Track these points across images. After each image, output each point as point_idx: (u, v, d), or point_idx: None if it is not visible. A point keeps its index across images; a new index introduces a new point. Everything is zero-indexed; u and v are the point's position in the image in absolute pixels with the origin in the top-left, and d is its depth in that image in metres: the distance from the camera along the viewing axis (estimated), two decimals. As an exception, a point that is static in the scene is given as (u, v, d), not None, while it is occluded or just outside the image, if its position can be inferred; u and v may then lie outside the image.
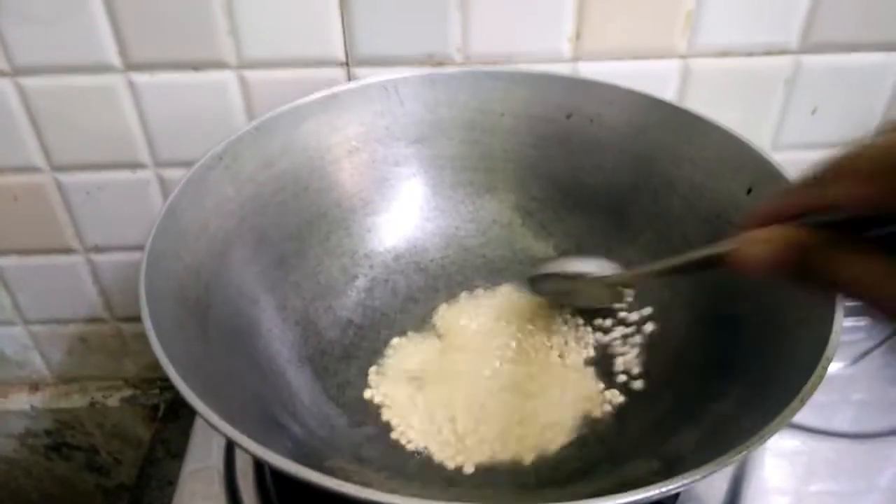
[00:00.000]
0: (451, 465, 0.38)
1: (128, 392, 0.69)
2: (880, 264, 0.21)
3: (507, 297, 0.47)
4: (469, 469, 0.38)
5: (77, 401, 0.69)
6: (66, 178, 0.55)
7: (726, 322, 0.39)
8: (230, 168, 0.42)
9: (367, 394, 0.42)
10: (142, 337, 0.68)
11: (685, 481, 0.25)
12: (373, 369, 0.43)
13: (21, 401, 0.69)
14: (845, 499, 0.45)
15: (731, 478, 0.45)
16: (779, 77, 0.52)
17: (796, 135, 0.55)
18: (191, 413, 0.56)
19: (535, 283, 0.45)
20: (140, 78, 0.51)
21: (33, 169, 0.55)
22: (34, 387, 0.69)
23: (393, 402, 0.41)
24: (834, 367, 0.52)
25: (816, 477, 0.46)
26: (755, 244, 0.25)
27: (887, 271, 0.21)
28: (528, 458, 0.39)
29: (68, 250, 0.59)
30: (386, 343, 0.45)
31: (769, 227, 0.25)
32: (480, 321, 0.46)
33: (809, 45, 0.51)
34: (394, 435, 0.40)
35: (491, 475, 0.38)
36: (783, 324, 0.34)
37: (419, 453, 0.39)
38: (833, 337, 0.30)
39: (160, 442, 0.64)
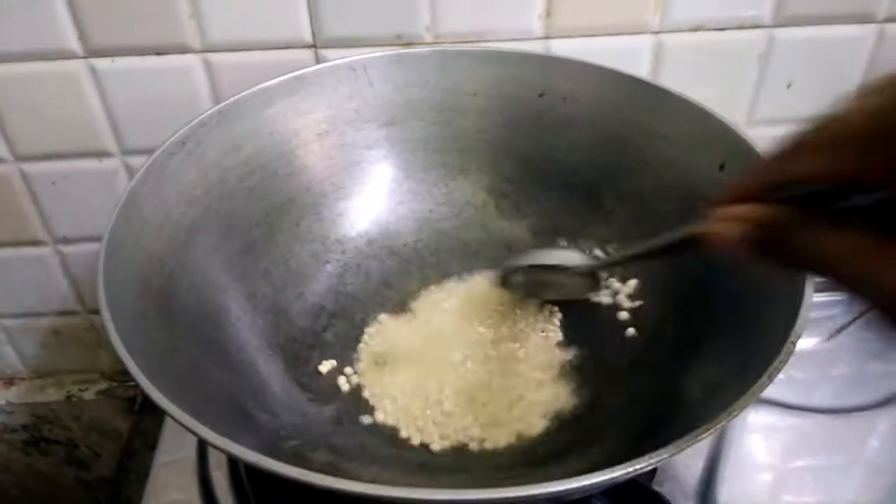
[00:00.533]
0: (424, 448, 0.38)
1: (104, 385, 0.68)
2: (850, 240, 0.21)
3: (482, 280, 0.47)
4: (442, 451, 0.38)
5: (53, 395, 0.68)
6: (31, 167, 0.54)
7: (699, 301, 0.38)
8: (193, 153, 0.41)
9: (341, 380, 0.42)
10: (115, 329, 0.66)
11: (653, 460, 0.25)
12: (346, 355, 0.43)
13: (-5, 396, 0.68)
14: (826, 473, 0.45)
15: (708, 455, 0.45)
16: (752, 51, 0.52)
17: (772, 109, 0.55)
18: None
19: (507, 277, 0.45)
20: (102, 64, 0.49)
21: (-4, 159, 0.53)
22: (9, 382, 0.68)
23: (367, 388, 0.41)
24: (812, 343, 0.53)
25: (796, 453, 0.46)
26: (724, 224, 0.25)
27: (856, 246, 0.20)
28: (503, 440, 0.38)
29: (36, 242, 0.58)
30: (359, 329, 0.45)
31: (739, 205, 0.25)
32: (455, 304, 0.45)
33: (783, 19, 0.50)
34: (367, 421, 0.40)
35: (464, 459, 0.38)
36: (754, 301, 0.34)
37: (393, 439, 0.39)
38: (802, 312, 0.29)
39: (138, 434, 0.63)
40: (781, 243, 0.23)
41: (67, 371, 0.68)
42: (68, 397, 0.68)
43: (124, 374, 0.68)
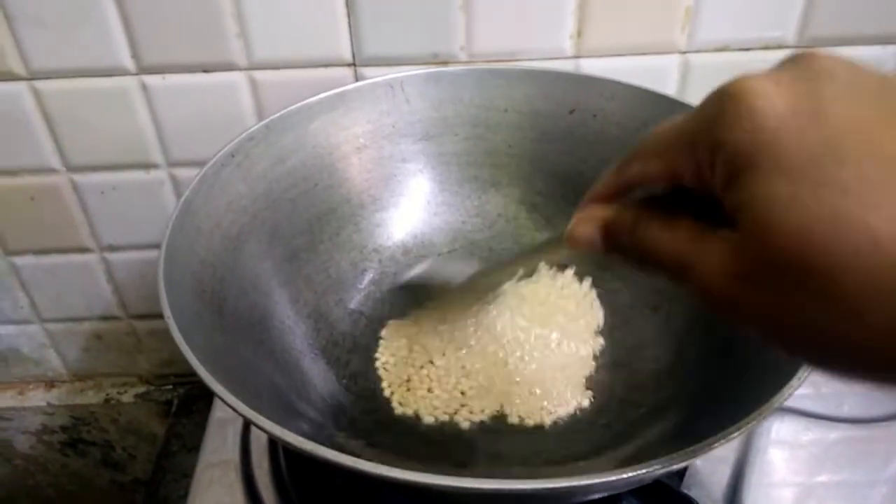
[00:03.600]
0: (463, 444, 0.40)
1: (142, 388, 0.70)
2: (674, 233, 0.22)
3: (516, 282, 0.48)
4: (482, 446, 0.39)
5: (92, 397, 0.70)
6: (81, 178, 0.57)
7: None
8: (242, 165, 0.43)
9: (380, 382, 0.43)
10: (155, 334, 0.69)
11: (687, 457, 0.26)
12: (380, 357, 0.45)
13: (37, 398, 0.70)
14: (851, 489, 0.46)
15: (734, 464, 0.46)
16: (777, 71, 0.53)
17: (795, 127, 0.56)
18: (205, 407, 0.58)
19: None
20: (153, 80, 0.52)
21: (49, 170, 0.56)
22: (50, 384, 0.71)
23: (405, 388, 0.43)
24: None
25: (821, 467, 0.47)
26: (579, 224, 0.27)
27: (678, 238, 0.22)
28: (538, 435, 0.40)
29: (83, 249, 0.61)
30: (396, 334, 0.46)
31: (593, 206, 0.26)
32: (489, 305, 0.47)
33: (806, 40, 0.52)
34: (406, 420, 0.41)
35: (500, 456, 0.39)
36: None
37: (430, 435, 0.40)
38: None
39: (174, 436, 0.65)
40: (623, 241, 0.25)
41: (107, 374, 0.71)
42: (107, 400, 0.70)
43: (161, 377, 0.70)
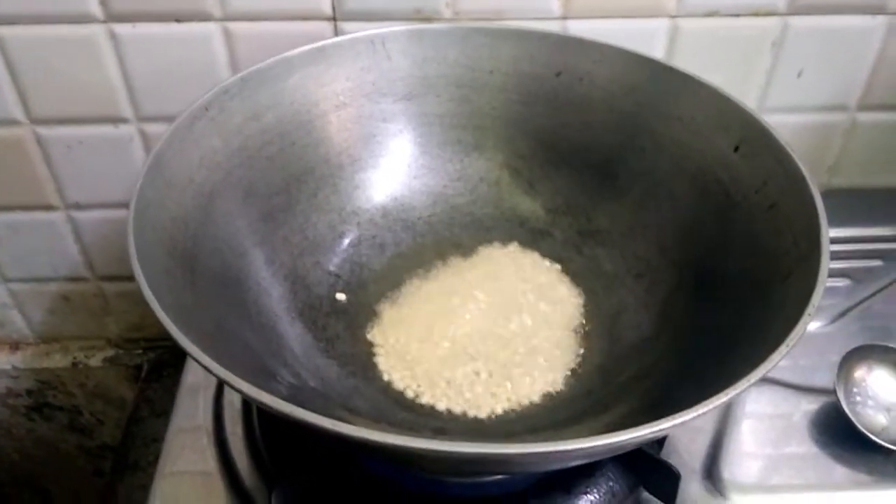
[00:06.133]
0: (440, 411, 0.39)
1: (110, 352, 0.69)
2: None
3: (496, 252, 0.48)
4: (459, 414, 0.39)
5: (59, 361, 0.68)
6: (46, 131, 0.54)
7: (714, 277, 0.39)
8: (216, 119, 0.41)
9: (357, 345, 0.42)
10: (124, 296, 0.67)
11: (675, 421, 0.26)
12: (362, 322, 0.44)
13: (1, 361, 0.68)
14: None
15: (713, 434, 0.46)
16: (766, 38, 0.53)
17: (783, 97, 0.56)
18: (175, 372, 0.56)
19: None
20: (122, 29, 0.50)
21: (12, 122, 0.53)
22: (15, 346, 0.69)
23: (382, 354, 0.42)
24: (812, 326, 0.53)
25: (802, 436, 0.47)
26: None
27: None
28: (517, 403, 0.40)
29: (49, 207, 0.58)
30: (374, 298, 0.45)
31: None
32: (469, 273, 0.46)
33: (797, 7, 0.51)
34: (382, 385, 0.40)
35: (479, 422, 0.39)
36: (769, 276, 0.35)
37: (408, 402, 0.40)
38: (818, 285, 0.30)
39: (144, 401, 0.64)
40: None
41: (74, 337, 0.69)
42: (74, 363, 0.68)
43: (131, 341, 0.69)
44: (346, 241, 0.48)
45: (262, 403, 0.26)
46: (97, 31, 0.49)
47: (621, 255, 0.46)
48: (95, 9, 0.49)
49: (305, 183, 0.46)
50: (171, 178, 0.38)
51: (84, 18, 0.49)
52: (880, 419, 0.45)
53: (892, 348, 0.47)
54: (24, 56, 0.51)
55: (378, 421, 0.38)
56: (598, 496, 0.40)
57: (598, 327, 0.44)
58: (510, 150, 0.50)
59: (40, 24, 0.49)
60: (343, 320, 0.44)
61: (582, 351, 0.43)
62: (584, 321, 0.44)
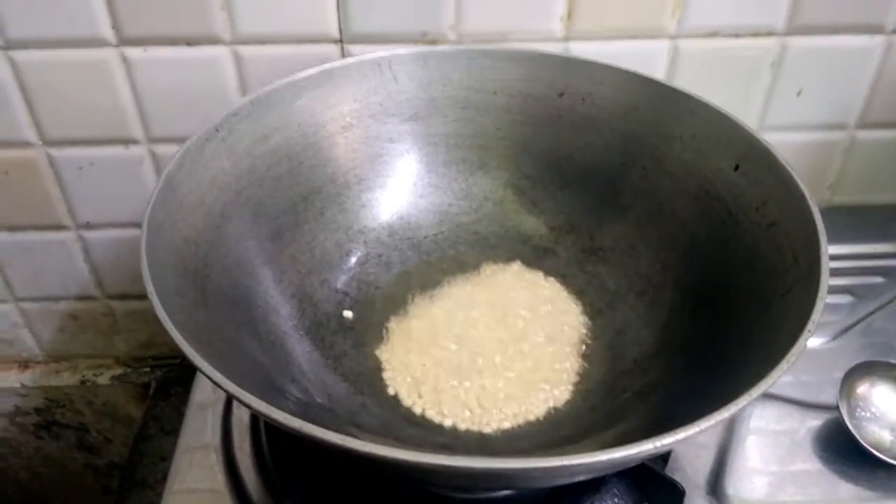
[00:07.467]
0: (447, 427, 0.39)
1: (118, 370, 0.69)
2: None
3: (501, 270, 0.48)
4: (465, 431, 0.39)
5: (67, 379, 0.69)
6: (58, 153, 0.55)
7: (716, 293, 0.40)
8: (226, 141, 0.42)
9: (365, 363, 0.43)
10: (133, 315, 0.68)
11: (678, 436, 0.26)
12: (369, 340, 0.44)
13: (10, 379, 0.69)
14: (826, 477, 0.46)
15: (718, 450, 0.46)
16: (765, 58, 0.54)
17: (782, 116, 0.56)
18: (183, 391, 0.57)
19: None
20: (133, 53, 0.51)
21: (25, 143, 0.54)
22: (24, 365, 0.69)
23: (389, 371, 0.42)
24: (815, 343, 0.54)
25: (806, 453, 0.47)
26: None
27: None
28: (522, 420, 0.40)
29: (60, 227, 0.59)
30: (381, 316, 0.46)
31: None
32: (474, 291, 0.47)
33: (796, 28, 0.52)
34: (390, 402, 0.41)
35: (485, 438, 0.39)
36: (771, 293, 0.35)
37: (415, 418, 0.40)
38: (818, 301, 0.31)
39: (152, 419, 0.64)
40: None
41: (82, 356, 0.69)
42: (82, 382, 0.69)
43: (139, 360, 0.69)
44: (353, 260, 0.48)
45: (271, 419, 0.27)
46: (109, 54, 0.51)
47: (624, 273, 0.47)
48: (107, 33, 0.50)
49: (313, 202, 0.47)
50: (183, 200, 0.39)
51: (96, 43, 0.50)
52: (884, 435, 0.45)
53: (894, 364, 0.47)
54: (38, 79, 0.52)
55: (386, 436, 0.38)
56: (603, 512, 0.40)
57: (602, 344, 0.44)
58: (514, 170, 0.51)
59: (53, 49, 0.50)
60: (350, 337, 0.44)
61: (586, 367, 0.43)
62: (587, 338, 0.45)
